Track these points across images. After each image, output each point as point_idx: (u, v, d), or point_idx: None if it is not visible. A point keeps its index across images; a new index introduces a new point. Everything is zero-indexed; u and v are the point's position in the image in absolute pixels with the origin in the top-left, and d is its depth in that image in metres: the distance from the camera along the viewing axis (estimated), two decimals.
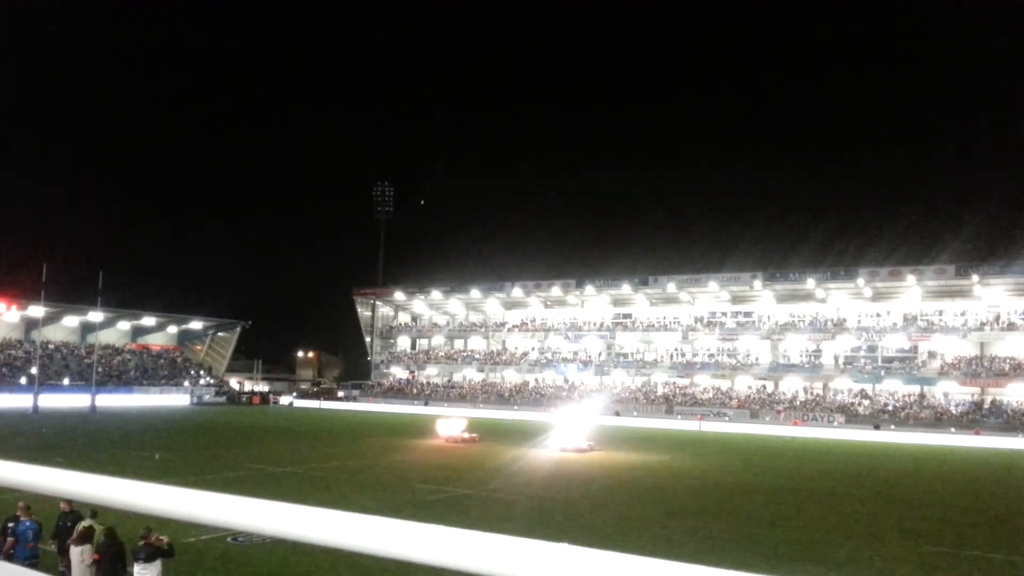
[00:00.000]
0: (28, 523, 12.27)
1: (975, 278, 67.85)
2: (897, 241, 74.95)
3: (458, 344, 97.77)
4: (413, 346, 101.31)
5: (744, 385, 78.16)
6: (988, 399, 67.07)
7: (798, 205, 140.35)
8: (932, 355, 71.86)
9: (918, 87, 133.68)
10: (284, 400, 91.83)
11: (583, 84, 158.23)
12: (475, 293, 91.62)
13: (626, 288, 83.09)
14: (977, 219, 74.49)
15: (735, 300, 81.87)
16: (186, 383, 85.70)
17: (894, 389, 71.32)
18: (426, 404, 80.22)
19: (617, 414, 69.28)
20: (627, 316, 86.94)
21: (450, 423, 46.04)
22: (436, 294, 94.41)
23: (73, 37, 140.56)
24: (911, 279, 70.25)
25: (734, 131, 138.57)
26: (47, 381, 70.18)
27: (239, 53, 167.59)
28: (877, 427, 62.90)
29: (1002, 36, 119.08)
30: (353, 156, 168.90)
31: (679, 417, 71.01)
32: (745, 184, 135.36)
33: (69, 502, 12.17)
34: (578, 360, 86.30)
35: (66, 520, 12.36)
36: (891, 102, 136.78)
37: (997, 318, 70.83)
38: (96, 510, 11.54)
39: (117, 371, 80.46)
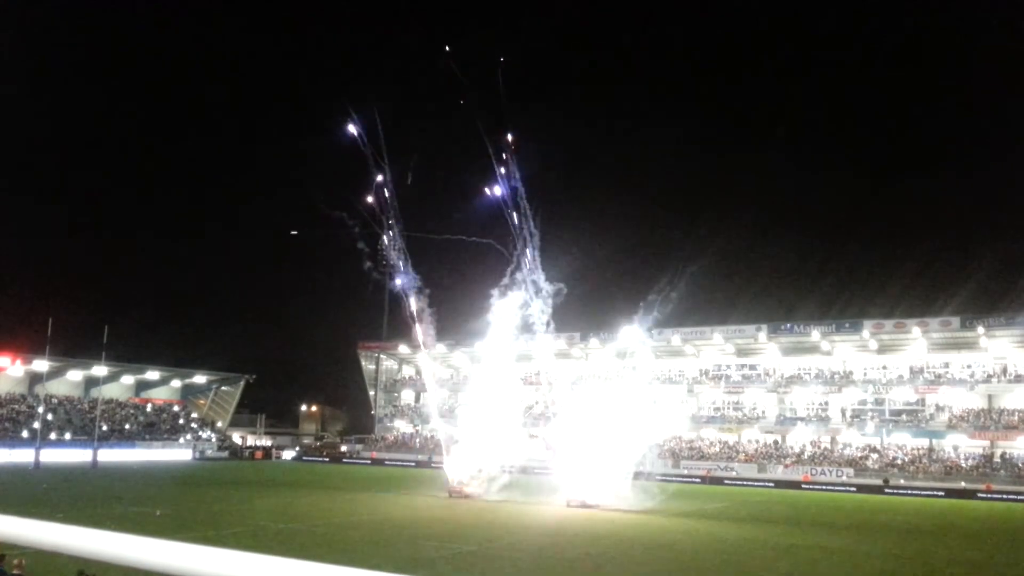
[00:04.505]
0: None
1: (981, 330, 67.56)
2: (902, 293, 74.89)
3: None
4: (417, 399, 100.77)
5: (751, 438, 77.33)
6: (998, 452, 66.20)
7: (802, 257, 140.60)
8: (940, 408, 71.12)
9: (923, 140, 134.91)
10: (287, 455, 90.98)
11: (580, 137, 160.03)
12: (479, 347, 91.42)
13: (630, 341, 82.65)
14: (982, 271, 74.51)
15: (740, 353, 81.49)
16: (188, 437, 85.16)
17: (903, 442, 70.44)
18: (430, 459, 79.37)
19: None
20: (632, 369, 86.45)
21: (458, 472, 45.55)
22: (440, 348, 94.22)
23: (76, 82, 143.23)
24: (916, 331, 69.98)
25: (738, 184, 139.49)
26: (49, 436, 69.85)
27: (244, 106, 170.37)
28: (887, 481, 62.03)
29: (1010, 86, 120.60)
30: (359, 206, 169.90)
31: (686, 471, 70.11)
32: (749, 236, 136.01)
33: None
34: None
35: None
36: (895, 155, 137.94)
37: (1004, 370, 70.30)
38: (83, 569, 11.38)
39: (119, 426, 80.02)
